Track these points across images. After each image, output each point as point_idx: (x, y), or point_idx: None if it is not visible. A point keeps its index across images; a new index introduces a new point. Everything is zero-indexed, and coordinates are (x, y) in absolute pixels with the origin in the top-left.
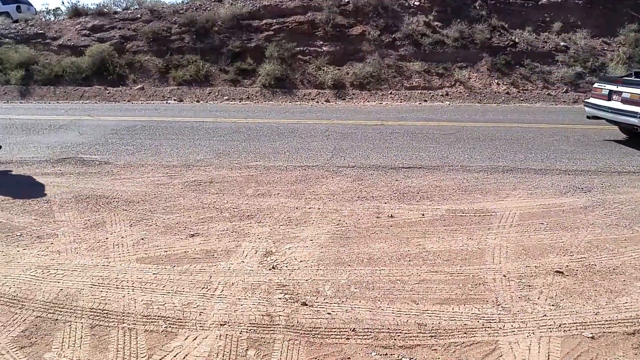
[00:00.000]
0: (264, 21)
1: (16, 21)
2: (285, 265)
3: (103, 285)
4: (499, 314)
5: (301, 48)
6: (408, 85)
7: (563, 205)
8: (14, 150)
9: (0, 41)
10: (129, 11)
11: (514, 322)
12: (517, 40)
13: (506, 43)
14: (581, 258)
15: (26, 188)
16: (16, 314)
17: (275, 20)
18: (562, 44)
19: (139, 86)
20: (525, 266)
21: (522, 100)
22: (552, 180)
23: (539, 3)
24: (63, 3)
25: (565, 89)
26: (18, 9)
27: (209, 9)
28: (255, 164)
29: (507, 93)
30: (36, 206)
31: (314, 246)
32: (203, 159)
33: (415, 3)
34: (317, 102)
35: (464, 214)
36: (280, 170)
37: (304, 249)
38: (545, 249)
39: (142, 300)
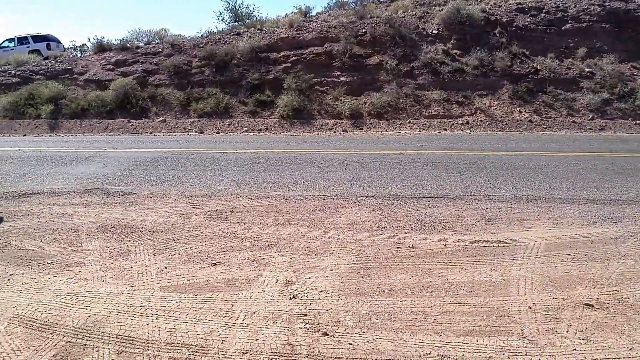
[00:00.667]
0: (282, 53)
1: (46, 58)
2: (306, 294)
3: (128, 312)
4: (525, 347)
5: (318, 79)
6: (427, 114)
7: (591, 235)
8: (44, 182)
9: (32, 77)
10: (151, 46)
11: (541, 355)
12: (539, 67)
13: (528, 70)
14: (612, 291)
15: (55, 218)
16: (48, 338)
17: (292, 52)
18: (587, 70)
19: (161, 118)
20: (552, 298)
21: (545, 128)
22: (579, 210)
23: (562, 28)
24: (89, 39)
25: (591, 116)
26: (48, 46)
27: (228, 42)
28: (274, 193)
29: (530, 121)
30: (65, 235)
31: (334, 276)
32: (224, 189)
33: (434, 32)
34: (335, 132)
35: (487, 245)
36: (299, 200)
37: (324, 278)
38: (573, 281)
39: (165, 328)
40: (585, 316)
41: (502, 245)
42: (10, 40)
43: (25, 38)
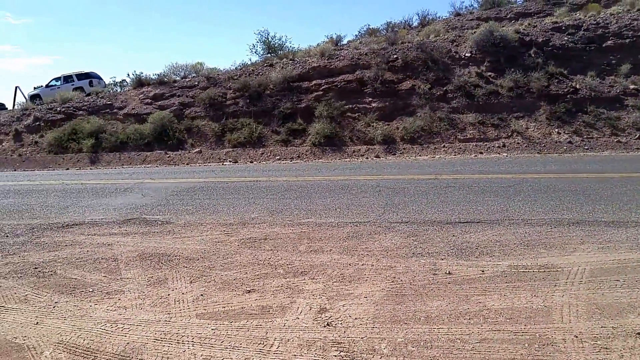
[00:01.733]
0: (314, 82)
1: (89, 94)
2: (340, 322)
3: (165, 340)
4: None
5: (350, 105)
6: (462, 138)
7: None
8: (86, 213)
9: (75, 113)
10: (187, 79)
11: None
12: (578, 86)
13: (566, 90)
14: None
15: (96, 248)
16: None
17: (324, 81)
18: (632, 87)
19: (197, 149)
20: (601, 327)
21: (586, 149)
22: (626, 234)
23: (603, 45)
24: (128, 75)
25: (637, 135)
26: (90, 83)
27: (261, 73)
28: (307, 220)
29: (570, 142)
30: (105, 264)
31: (368, 303)
32: (257, 217)
33: (466, 55)
34: (367, 158)
35: (527, 270)
36: (331, 227)
37: (358, 306)
38: (624, 309)
39: (201, 355)
40: (638, 346)
41: (543, 270)
42: (57, 79)
43: (70, 76)
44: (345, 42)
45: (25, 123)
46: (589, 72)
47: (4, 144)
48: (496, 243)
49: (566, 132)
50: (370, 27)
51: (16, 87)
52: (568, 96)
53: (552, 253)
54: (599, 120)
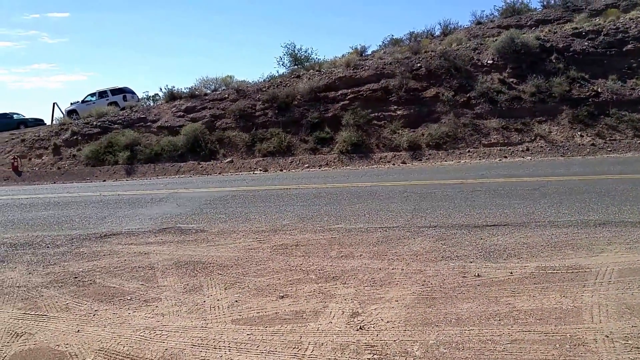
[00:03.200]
0: (340, 92)
1: (123, 109)
2: (373, 325)
3: (202, 345)
4: None
5: (376, 114)
6: (486, 143)
7: None
8: (123, 223)
9: (110, 127)
10: (218, 92)
11: None
12: (599, 89)
13: (587, 94)
14: None
15: (133, 257)
16: None
17: (350, 90)
18: None
19: (228, 159)
20: (632, 326)
21: (610, 150)
22: None
23: (624, 49)
24: (161, 89)
25: None
26: (124, 98)
27: (288, 84)
28: (337, 226)
29: (593, 144)
30: (142, 273)
31: (400, 307)
32: (288, 224)
33: (489, 62)
34: (394, 164)
35: (555, 271)
36: (361, 232)
37: (390, 309)
38: None
39: None
40: None
41: (571, 271)
42: (92, 95)
43: (105, 92)
44: (369, 52)
45: (64, 137)
46: (610, 76)
47: (43, 158)
48: (523, 245)
49: (589, 134)
50: (394, 37)
51: (54, 104)
52: (590, 100)
53: (580, 254)
54: (621, 122)
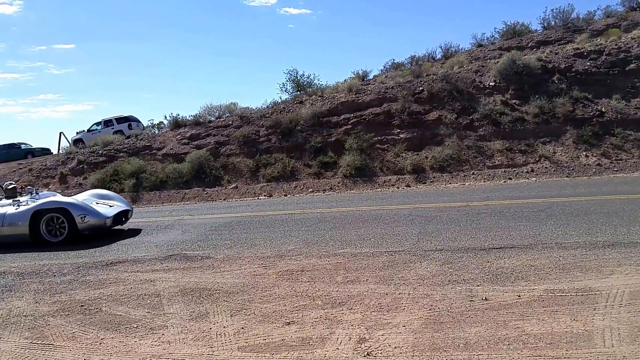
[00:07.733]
0: (342, 116)
1: (128, 137)
2: (380, 351)
3: None
4: None
5: (379, 137)
6: (490, 165)
7: None
8: (129, 250)
9: (116, 155)
10: (222, 119)
11: None
12: (603, 109)
13: (592, 113)
14: None
15: (139, 284)
16: None
17: (352, 114)
18: None
19: (233, 185)
20: None
21: (616, 170)
22: None
23: (627, 69)
24: (165, 117)
25: None
26: (129, 126)
27: (291, 110)
28: (342, 251)
29: (599, 165)
30: (148, 300)
31: (407, 332)
32: (294, 249)
33: (490, 84)
34: (398, 187)
35: (564, 294)
36: (367, 257)
37: (397, 335)
38: None
39: None
40: None
41: (580, 294)
42: (97, 123)
43: (110, 120)
44: (371, 76)
45: (70, 166)
46: (613, 95)
47: (50, 187)
48: (531, 267)
49: (594, 154)
50: (395, 61)
51: (60, 133)
52: (594, 119)
53: (589, 276)
54: (626, 142)
